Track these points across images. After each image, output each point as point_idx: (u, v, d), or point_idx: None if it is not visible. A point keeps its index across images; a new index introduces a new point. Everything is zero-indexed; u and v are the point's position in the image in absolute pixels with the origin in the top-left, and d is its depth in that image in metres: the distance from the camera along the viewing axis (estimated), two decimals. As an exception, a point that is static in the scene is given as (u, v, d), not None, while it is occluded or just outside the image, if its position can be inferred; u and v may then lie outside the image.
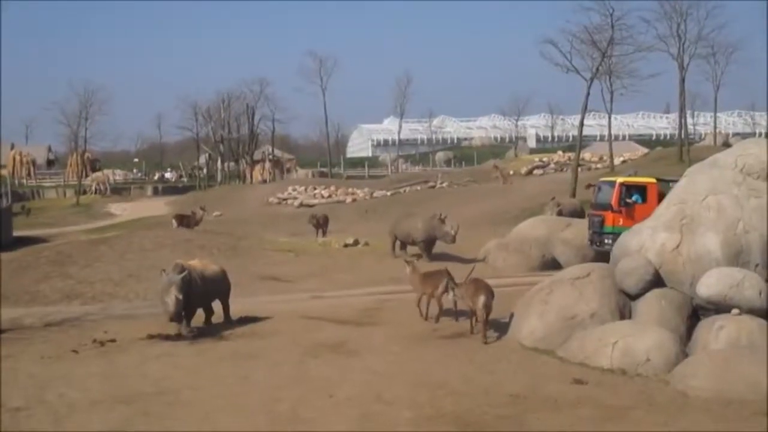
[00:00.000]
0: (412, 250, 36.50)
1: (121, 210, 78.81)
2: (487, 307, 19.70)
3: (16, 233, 55.20)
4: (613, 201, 32.30)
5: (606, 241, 31.94)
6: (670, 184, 33.61)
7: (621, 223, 31.90)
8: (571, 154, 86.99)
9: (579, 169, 68.75)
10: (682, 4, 71.53)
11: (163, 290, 20.14)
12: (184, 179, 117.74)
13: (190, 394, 15.09)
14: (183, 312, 20.33)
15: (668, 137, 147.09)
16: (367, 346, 18.98)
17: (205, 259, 24.57)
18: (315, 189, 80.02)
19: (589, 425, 13.18)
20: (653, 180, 34.01)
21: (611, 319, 18.52)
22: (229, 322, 22.15)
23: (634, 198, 32.44)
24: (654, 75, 73.79)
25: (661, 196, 31.92)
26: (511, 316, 20.30)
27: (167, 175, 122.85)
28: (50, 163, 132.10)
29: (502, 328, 20.17)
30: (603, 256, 31.61)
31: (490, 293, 19.91)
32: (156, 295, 21.43)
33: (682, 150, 73.68)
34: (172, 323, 20.61)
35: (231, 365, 17.42)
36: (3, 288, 28.64)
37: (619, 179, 34.12)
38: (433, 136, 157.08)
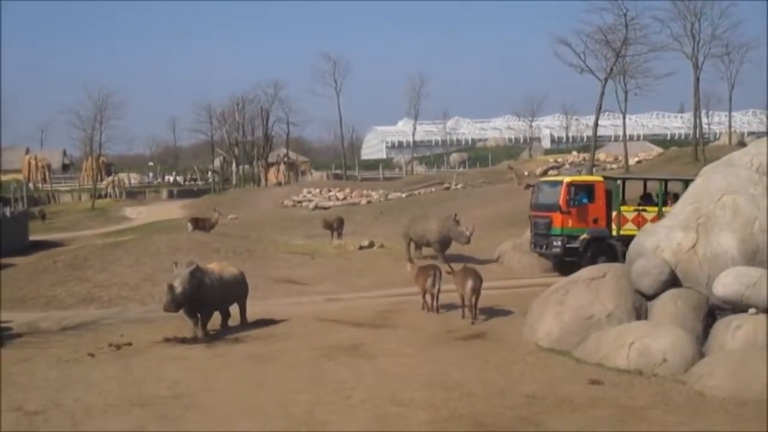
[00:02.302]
0: (427, 251, 36.47)
1: (137, 213, 78.98)
2: (475, 290, 21.74)
3: (32, 238, 55.46)
4: (561, 201, 31.48)
5: (554, 243, 31.53)
6: (618, 181, 33.35)
7: (570, 224, 31.37)
8: (586, 155, 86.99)
9: (594, 169, 68.69)
10: (696, 3, 71.39)
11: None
12: (200, 182, 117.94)
13: (207, 397, 15.11)
14: (181, 305, 20.65)
15: (683, 137, 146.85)
16: (383, 348, 18.98)
17: (224, 262, 24.62)
18: (330, 191, 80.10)
19: (606, 426, 13.14)
20: (600, 178, 33.62)
21: (627, 319, 18.47)
22: (244, 325, 22.21)
23: (579, 197, 31.76)
24: (668, 75, 73.76)
25: (608, 195, 31.61)
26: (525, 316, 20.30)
27: (177, 178, 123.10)
28: (65, 167, 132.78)
29: (518, 329, 20.17)
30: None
31: (477, 278, 21.93)
32: None
33: (696, 149, 73.47)
34: (188, 327, 20.90)
35: (247, 368, 17.45)
36: (20, 292, 28.81)
37: (566, 179, 33.51)
38: (448, 138, 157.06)
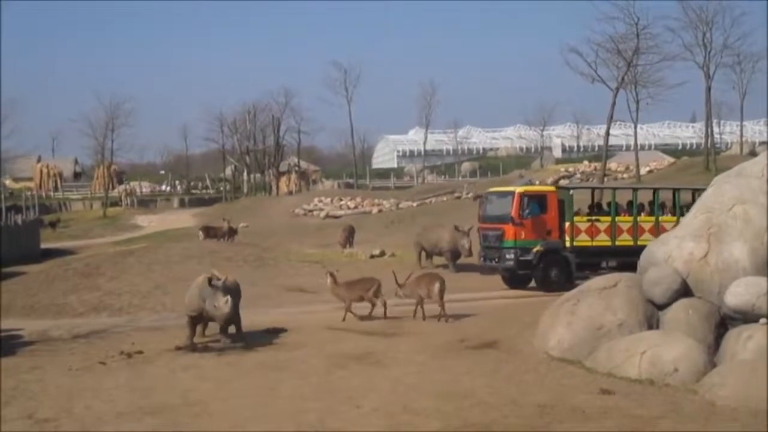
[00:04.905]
0: (438, 260, 36.61)
1: (148, 222, 79.18)
2: (442, 292, 23.72)
3: (43, 245, 55.65)
4: (513, 212, 30.53)
5: (507, 256, 30.54)
6: (571, 191, 32.79)
7: (523, 236, 30.46)
8: (597, 164, 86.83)
9: (605, 179, 68.61)
10: (708, 11, 71.34)
11: (211, 295, 20.29)
12: (210, 191, 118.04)
13: (218, 406, 15.13)
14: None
15: (694, 146, 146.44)
16: (394, 357, 18.98)
17: (225, 271, 24.53)
18: (341, 200, 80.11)
19: (617, 436, 13.14)
20: (552, 188, 33.08)
21: (639, 329, 18.42)
22: (239, 336, 21.80)
23: (532, 208, 30.79)
24: (680, 84, 73.27)
25: (560, 205, 30.88)
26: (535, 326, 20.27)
27: (178, 186, 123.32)
28: (77, 175, 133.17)
29: (528, 338, 20.15)
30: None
31: (442, 281, 24.09)
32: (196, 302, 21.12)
33: (708, 159, 73.39)
34: (184, 335, 20.98)
35: (258, 376, 17.46)
36: (31, 300, 28.93)
37: (518, 189, 32.51)
38: (459, 147, 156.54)
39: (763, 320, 17.23)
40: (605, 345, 18.06)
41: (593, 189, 37.07)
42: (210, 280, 20.53)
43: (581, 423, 13.70)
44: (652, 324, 18.67)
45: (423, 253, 37.37)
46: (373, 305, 24.52)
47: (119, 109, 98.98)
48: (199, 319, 20.96)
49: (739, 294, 17.61)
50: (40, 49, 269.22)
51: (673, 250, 19.42)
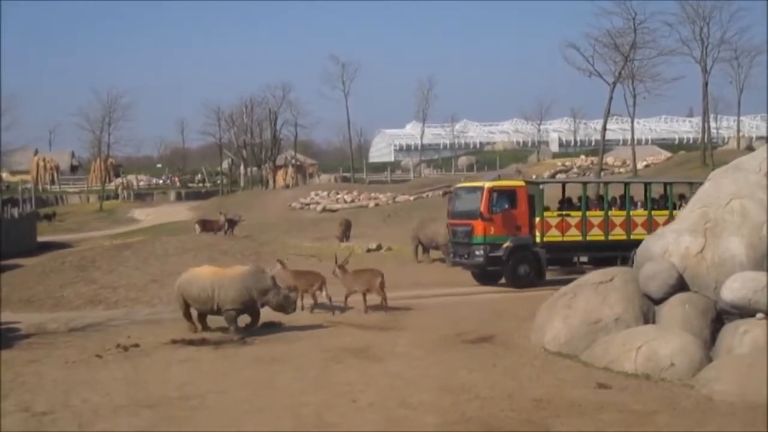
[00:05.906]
0: (434, 254, 36.63)
1: (144, 215, 79.03)
2: (382, 285, 24.73)
3: (39, 239, 55.62)
4: (483, 208, 30.08)
5: (476, 252, 30.18)
6: (541, 186, 32.55)
7: (493, 232, 30.09)
8: (594, 159, 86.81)
9: (602, 173, 68.60)
10: (705, 7, 71.28)
11: (273, 287, 21.42)
12: (207, 185, 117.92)
13: (215, 399, 15.12)
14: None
15: (691, 141, 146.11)
16: (391, 351, 18.99)
17: (224, 264, 24.58)
18: (338, 194, 79.89)
19: (614, 430, 13.13)
20: (522, 183, 32.39)
21: (635, 323, 18.45)
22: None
23: (501, 203, 30.42)
24: (677, 78, 73.21)
25: (530, 200, 30.55)
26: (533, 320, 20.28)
27: (172, 178, 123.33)
28: (74, 168, 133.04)
29: (525, 333, 20.16)
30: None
31: (382, 276, 25.04)
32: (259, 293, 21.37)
33: (705, 154, 73.40)
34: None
35: (255, 370, 17.47)
36: (28, 293, 28.90)
37: (487, 184, 31.77)
38: (456, 141, 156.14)
39: (759, 315, 17.25)
40: (602, 339, 18.10)
41: (564, 183, 36.94)
42: (273, 275, 21.80)
43: (577, 417, 13.70)
44: (648, 319, 18.69)
45: (420, 247, 37.43)
46: (315, 301, 25.10)
47: (116, 103, 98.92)
48: (243, 311, 21.41)
49: (735, 289, 17.63)
50: (38, 43, 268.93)
51: (669, 244, 19.43)
